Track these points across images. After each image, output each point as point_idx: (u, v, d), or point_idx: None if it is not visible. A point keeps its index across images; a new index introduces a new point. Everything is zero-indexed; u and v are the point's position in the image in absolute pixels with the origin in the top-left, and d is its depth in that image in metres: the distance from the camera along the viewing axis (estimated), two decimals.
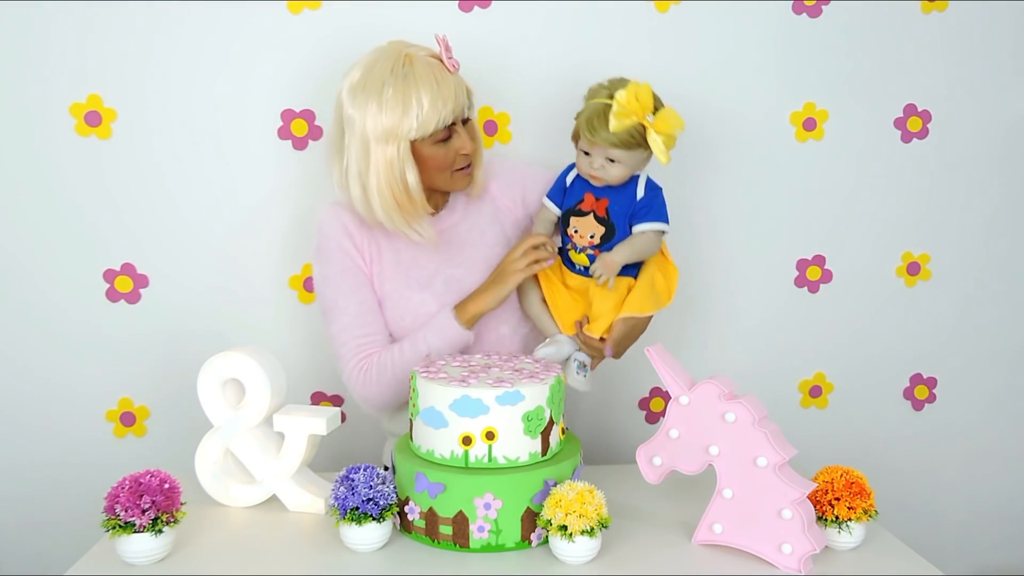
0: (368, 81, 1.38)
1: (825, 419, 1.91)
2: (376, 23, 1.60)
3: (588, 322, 1.45)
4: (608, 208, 1.42)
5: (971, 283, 1.90)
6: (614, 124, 1.33)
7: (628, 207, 1.42)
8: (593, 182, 1.43)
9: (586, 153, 1.41)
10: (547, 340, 1.48)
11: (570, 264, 1.47)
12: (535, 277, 1.49)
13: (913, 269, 1.88)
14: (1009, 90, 1.83)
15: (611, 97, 1.35)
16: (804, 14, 1.75)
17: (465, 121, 1.44)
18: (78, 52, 1.64)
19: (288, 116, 1.70)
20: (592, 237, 1.43)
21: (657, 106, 1.37)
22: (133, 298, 1.73)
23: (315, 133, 1.70)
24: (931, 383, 1.94)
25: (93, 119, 1.66)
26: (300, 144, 1.70)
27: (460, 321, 1.44)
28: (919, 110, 1.82)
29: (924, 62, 1.80)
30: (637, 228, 1.43)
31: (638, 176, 1.44)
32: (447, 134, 1.41)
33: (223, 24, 1.66)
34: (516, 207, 1.57)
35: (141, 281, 1.73)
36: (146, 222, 1.71)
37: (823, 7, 1.75)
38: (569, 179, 1.48)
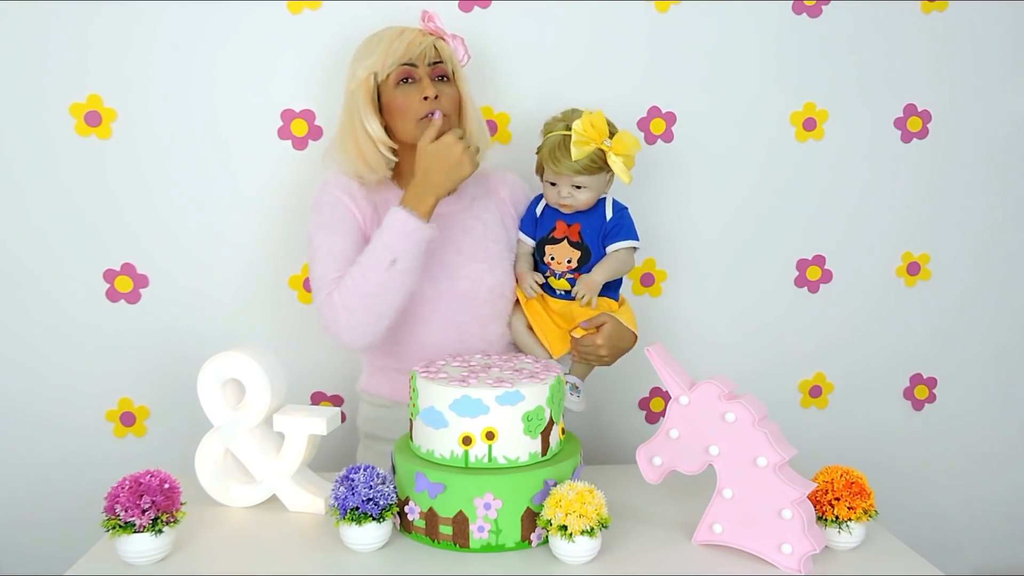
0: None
1: (825, 419, 1.91)
2: (376, 23, 1.59)
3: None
4: (580, 232, 1.48)
5: (971, 283, 1.90)
6: (575, 152, 1.40)
7: (599, 228, 1.49)
8: (563, 210, 1.49)
9: (552, 184, 1.47)
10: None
11: (551, 291, 1.52)
12: (520, 306, 1.53)
13: (913, 269, 1.88)
14: (1009, 90, 1.83)
15: (568, 128, 1.42)
16: (804, 14, 1.75)
17: (441, 77, 1.45)
18: (78, 52, 1.64)
19: (288, 116, 1.70)
20: (569, 262, 1.48)
21: (612, 131, 1.44)
22: (133, 298, 1.73)
23: (315, 133, 1.70)
24: (931, 383, 1.93)
25: (93, 119, 1.66)
26: (300, 144, 1.70)
27: (418, 215, 1.36)
28: (919, 110, 1.82)
29: (924, 62, 1.80)
30: (611, 248, 1.48)
31: (604, 198, 1.50)
32: (406, 74, 1.43)
33: (223, 24, 1.66)
34: (519, 220, 1.59)
35: (141, 281, 1.73)
36: (146, 222, 1.71)
37: (823, 7, 1.75)
38: (539, 210, 1.54)
